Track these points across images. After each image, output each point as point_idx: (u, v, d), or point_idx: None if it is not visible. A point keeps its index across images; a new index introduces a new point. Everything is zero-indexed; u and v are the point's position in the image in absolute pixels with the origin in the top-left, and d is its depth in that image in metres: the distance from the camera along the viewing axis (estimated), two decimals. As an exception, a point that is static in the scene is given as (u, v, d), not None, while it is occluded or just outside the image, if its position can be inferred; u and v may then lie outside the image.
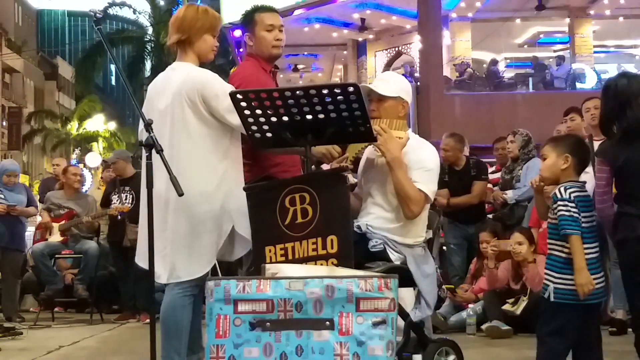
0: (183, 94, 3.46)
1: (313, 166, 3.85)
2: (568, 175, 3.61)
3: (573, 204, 3.51)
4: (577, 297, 3.42)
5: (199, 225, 3.42)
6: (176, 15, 3.68)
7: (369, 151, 3.83)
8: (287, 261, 3.14)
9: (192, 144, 3.46)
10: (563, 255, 3.51)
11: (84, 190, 9.56)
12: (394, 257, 3.56)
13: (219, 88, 3.46)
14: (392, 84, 3.78)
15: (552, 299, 3.47)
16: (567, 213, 3.47)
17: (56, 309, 8.73)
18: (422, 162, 3.62)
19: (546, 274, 3.56)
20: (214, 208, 3.44)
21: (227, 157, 3.53)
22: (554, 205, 3.52)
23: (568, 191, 3.53)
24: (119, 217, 7.89)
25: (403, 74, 17.61)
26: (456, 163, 7.21)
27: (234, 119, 3.36)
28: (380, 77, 4.04)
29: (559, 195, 3.51)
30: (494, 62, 18.84)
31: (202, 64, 3.66)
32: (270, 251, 3.21)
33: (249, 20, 4.04)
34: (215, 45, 3.67)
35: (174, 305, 3.44)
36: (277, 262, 3.14)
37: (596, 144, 5.98)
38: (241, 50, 17.12)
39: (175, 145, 3.43)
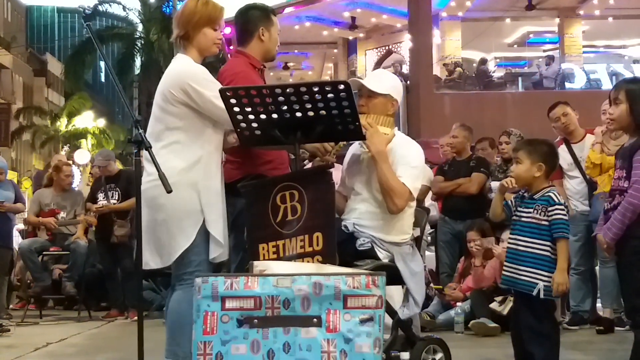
0: (167, 87, 3.43)
1: (306, 160, 3.85)
2: (540, 181, 3.79)
3: (566, 210, 3.72)
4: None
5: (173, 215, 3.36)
6: (179, 9, 3.66)
7: (354, 148, 3.84)
8: (278, 258, 3.15)
9: (170, 135, 3.41)
10: (553, 255, 3.68)
11: (73, 187, 9.51)
12: (382, 255, 3.58)
13: (205, 83, 3.41)
14: (383, 82, 3.79)
15: (542, 295, 3.64)
16: (564, 217, 3.68)
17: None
18: (406, 158, 3.64)
19: (532, 272, 3.69)
20: (186, 199, 3.33)
21: (204, 147, 3.44)
22: (550, 209, 3.64)
23: (559, 197, 3.68)
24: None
25: (393, 73, 17.66)
26: (461, 153, 7.18)
27: (219, 113, 3.31)
28: (373, 73, 4.02)
29: (555, 200, 3.66)
30: (484, 61, 18.89)
31: (207, 59, 3.61)
32: (263, 249, 3.22)
33: (266, 16, 3.97)
34: (218, 38, 3.56)
35: (179, 299, 3.39)
36: (269, 259, 3.15)
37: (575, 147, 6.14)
38: (231, 47, 17.10)
39: (156, 138, 3.37)
